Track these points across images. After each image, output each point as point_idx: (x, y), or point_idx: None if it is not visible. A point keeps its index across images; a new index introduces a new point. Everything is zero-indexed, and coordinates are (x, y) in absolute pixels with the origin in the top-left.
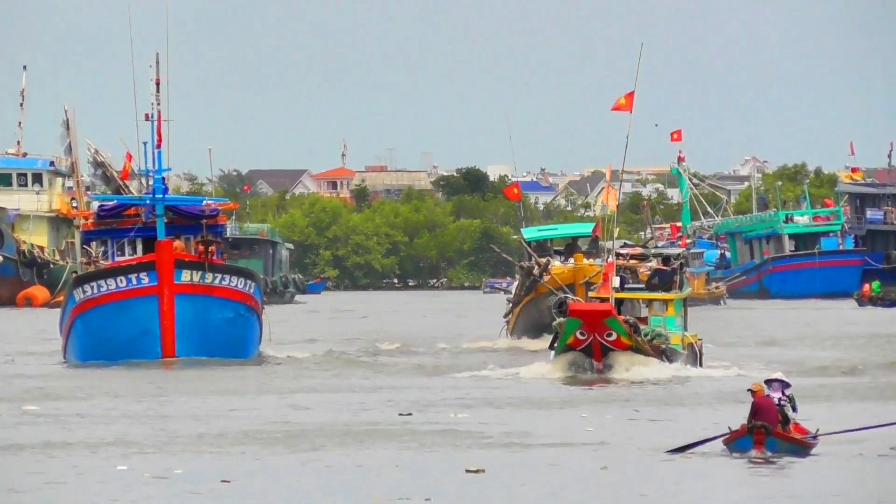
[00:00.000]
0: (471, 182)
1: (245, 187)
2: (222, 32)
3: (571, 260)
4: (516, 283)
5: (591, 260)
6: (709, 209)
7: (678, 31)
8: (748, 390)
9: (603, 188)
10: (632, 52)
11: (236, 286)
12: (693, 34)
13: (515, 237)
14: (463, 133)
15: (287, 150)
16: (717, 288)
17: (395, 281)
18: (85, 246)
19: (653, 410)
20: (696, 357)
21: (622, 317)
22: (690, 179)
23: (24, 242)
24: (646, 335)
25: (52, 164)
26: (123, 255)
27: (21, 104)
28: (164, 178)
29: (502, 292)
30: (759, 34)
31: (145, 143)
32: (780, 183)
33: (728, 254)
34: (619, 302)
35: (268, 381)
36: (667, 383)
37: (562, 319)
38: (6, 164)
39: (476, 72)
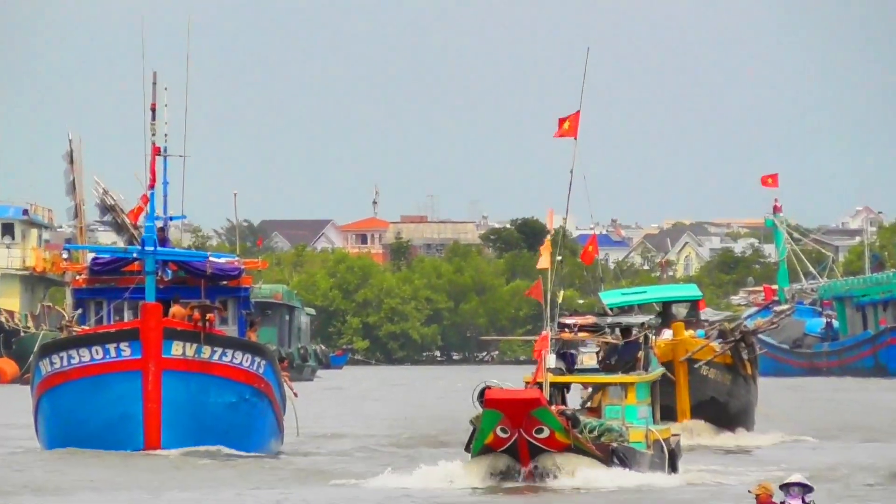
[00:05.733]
0: (527, 235)
1: (257, 241)
2: (233, 66)
3: (667, 332)
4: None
5: (692, 331)
6: (811, 269)
7: (778, 64)
8: (750, 492)
9: (684, 244)
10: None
11: (240, 364)
12: (794, 69)
13: (581, 301)
14: (517, 178)
15: (307, 198)
16: None
17: (437, 354)
18: (78, 308)
19: None
20: (665, 458)
21: (557, 407)
22: (789, 233)
23: None
24: (591, 430)
25: (25, 212)
26: (123, 319)
27: None
28: (162, 227)
29: None
30: (870, 72)
31: (165, 184)
32: None
33: (836, 323)
34: (566, 387)
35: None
36: (618, 493)
37: (479, 412)
38: None
39: (533, 108)
